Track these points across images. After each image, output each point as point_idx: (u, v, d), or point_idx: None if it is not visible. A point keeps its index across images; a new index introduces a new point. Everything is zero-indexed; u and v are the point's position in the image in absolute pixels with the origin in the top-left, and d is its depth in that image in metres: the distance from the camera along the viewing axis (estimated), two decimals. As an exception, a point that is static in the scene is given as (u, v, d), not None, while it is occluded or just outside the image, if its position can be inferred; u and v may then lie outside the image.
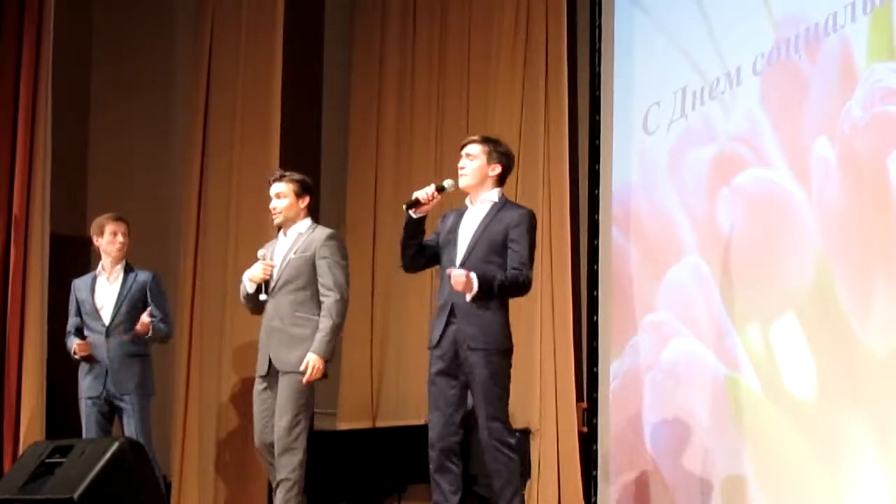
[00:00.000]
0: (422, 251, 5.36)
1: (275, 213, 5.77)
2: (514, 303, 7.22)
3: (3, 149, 7.23)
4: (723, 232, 6.45)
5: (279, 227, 5.86)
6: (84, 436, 6.33)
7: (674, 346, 6.68)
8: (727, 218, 6.44)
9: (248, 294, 5.78)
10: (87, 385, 6.43)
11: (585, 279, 7.37)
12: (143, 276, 6.57)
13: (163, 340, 6.69)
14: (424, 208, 5.28)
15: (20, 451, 6.68)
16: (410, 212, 5.26)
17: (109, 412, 6.45)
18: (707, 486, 6.36)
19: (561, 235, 7.23)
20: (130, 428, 6.30)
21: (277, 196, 5.76)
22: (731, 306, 6.35)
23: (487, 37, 7.83)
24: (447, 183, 5.34)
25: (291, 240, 5.77)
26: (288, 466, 5.50)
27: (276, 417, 5.56)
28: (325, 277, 5.63)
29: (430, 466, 5.18)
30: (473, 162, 5.32)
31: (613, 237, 7.16)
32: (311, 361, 5.53)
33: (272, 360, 5.63)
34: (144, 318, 6.37)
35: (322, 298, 5.63)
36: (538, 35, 7.50)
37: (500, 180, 5.38)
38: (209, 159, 8.11)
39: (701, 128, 6.70)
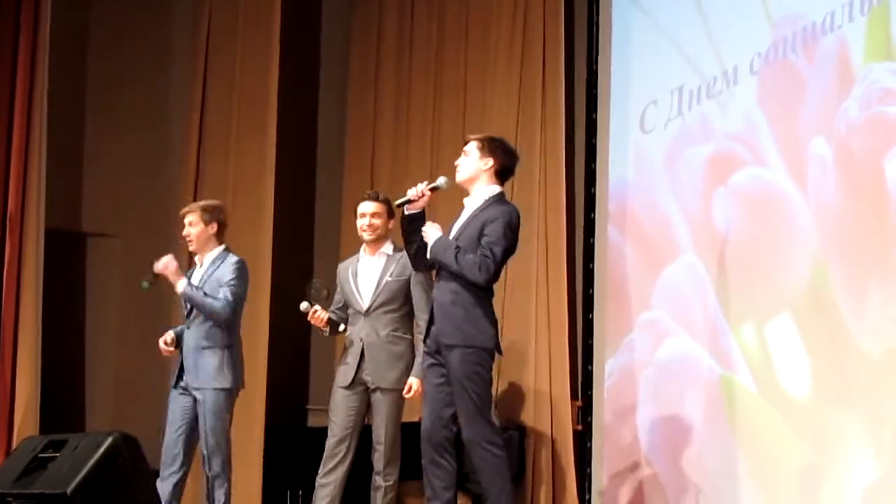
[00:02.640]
0: (424, 249, 5.23)
1: (369, 230, 5.90)
2: (509, 300, 7.29)
3: (-1, 144, 7.24)
4: (719, 231, 6.44)
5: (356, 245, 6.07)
6: (166, 426, 5.99)
7: (669, 344, 6.67)
8: (723, 217, 6.43)
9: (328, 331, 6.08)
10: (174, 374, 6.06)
11: (581, 277, 7.38)
12: (223, 264, 6.05)
13: (210, 316, 5.95)
14: (417, 205, 5.21)
15: (13, 446, 6.67)
16: (404, 209, 5.22)
17: (194, 403, 5.99)
18: (701, 484, 6.36)
19: (557, 233, 7.24)
20: (205, 423, 5.95)
21: (373, 215, 5.90)
22: (727, 305, 6.34)
23: (485, 34, 7.83)
24: (441, 180, 5.26)
25: (382, 262, 5.92)
26: (392, 475, 5.85)
27: (377, 427, 5.83)
28: (422, 301, 5.80)
29: (423, 460, 5.16)
30: (467, 157, 5.27)
31: (609, 235, 7.15)
32: (414, 384, 5.76)
33: (367, 374, 5.85)
34: (167, 260, 5.88)
35: (418, 321, 5.81)
36: (536, 33, 7.49)
37: (498, 176, 5.26)
38: (205, 154, 8.12)
39: (698, 127, 6.69)
